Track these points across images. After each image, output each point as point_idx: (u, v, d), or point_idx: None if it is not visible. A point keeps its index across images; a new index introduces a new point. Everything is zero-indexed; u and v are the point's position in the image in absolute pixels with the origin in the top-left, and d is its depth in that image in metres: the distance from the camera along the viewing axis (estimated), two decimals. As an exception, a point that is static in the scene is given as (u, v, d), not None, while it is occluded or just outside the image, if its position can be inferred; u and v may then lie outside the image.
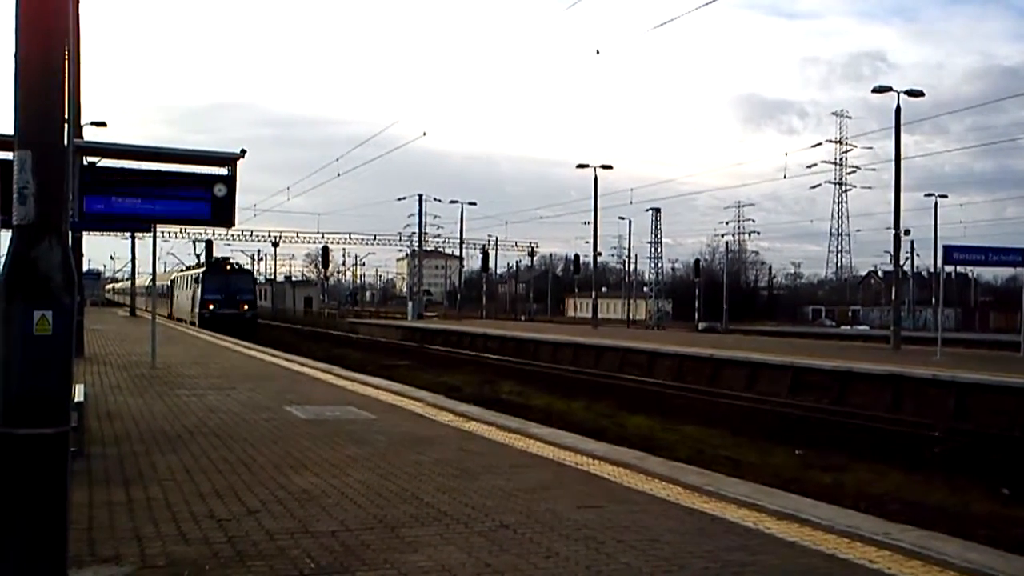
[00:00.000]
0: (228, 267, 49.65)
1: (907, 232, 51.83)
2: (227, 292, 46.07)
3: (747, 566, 5.25)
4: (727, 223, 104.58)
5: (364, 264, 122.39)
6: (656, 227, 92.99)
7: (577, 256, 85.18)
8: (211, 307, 45.46)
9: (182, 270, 62.10)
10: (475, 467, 8.15)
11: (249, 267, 66.24)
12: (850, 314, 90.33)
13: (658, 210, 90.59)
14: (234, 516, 6.15)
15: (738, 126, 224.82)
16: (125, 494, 6.77)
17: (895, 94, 32.14)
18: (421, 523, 6.05)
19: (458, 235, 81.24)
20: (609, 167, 53.29)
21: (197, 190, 15.73)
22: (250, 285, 49.94)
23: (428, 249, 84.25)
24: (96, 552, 5.21)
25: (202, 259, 60.14)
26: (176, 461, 8.15)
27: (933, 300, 67.10)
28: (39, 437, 4.31)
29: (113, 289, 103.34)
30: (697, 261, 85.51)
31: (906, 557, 5.42)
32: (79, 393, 8.88)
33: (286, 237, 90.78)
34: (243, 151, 15.75)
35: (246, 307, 46.55)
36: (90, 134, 30.42)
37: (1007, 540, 7.88)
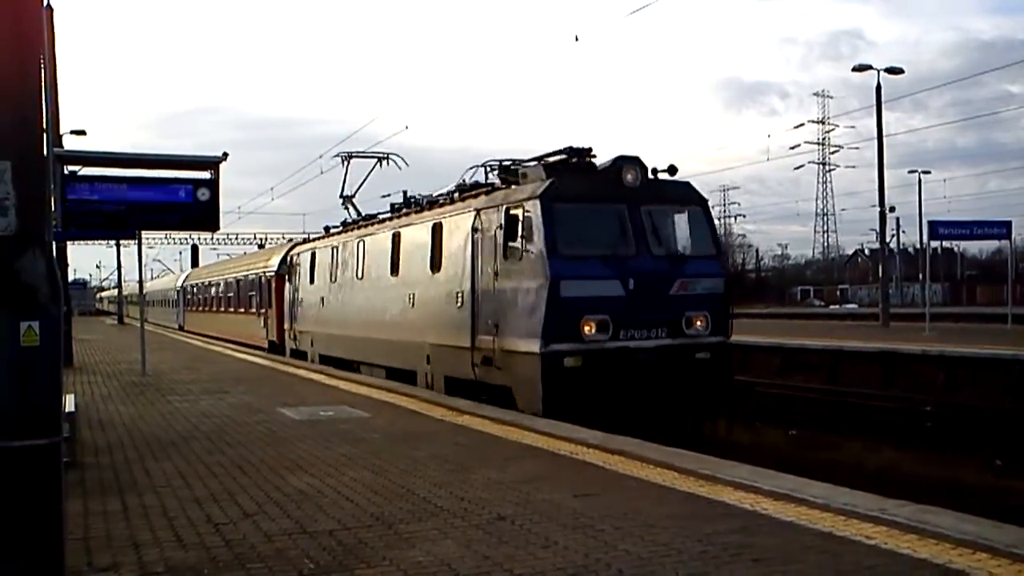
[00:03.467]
0: (630, 179, 12.56)
1: (892, 209, 51.91)
2: (644, 271, 12.17)
3: (745, 548, 5.27)
4: (712, 207, 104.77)
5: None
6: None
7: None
8: (591, 329, 11.62)
9: (360, 223, 20.25)
10: (470, 460, 8.15)
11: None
12: (838, 293, 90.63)
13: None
14: (231, 520, 6.14)
15: (720, 109, 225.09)
16: (120, 502, 6.74)
17: (875, 72, 32.27)
18: (418, 519, 6.05)
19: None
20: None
21: (180, 195, 15.70)
22: (712, 248, 13.30)
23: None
24: (93, 562, 5.19)
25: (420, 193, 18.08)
26: (171, 467, 8.12)
27: (920, 276, 67.45)
28: (31, 449, 4.29)
29: (104, 298, 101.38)
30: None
31: (902, 532, 5.46)
32: (70, 403, 8.86)
33: (271, 238, 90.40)
34: (225, 154, 15.74)
35: (700, 323, 12.40)
36: (70, 143, 30.31)
37: (1001, 510, 7.94)
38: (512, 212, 12.46)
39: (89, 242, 60.64)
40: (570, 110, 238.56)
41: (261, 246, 66.40)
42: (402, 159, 21.88)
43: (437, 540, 5.51)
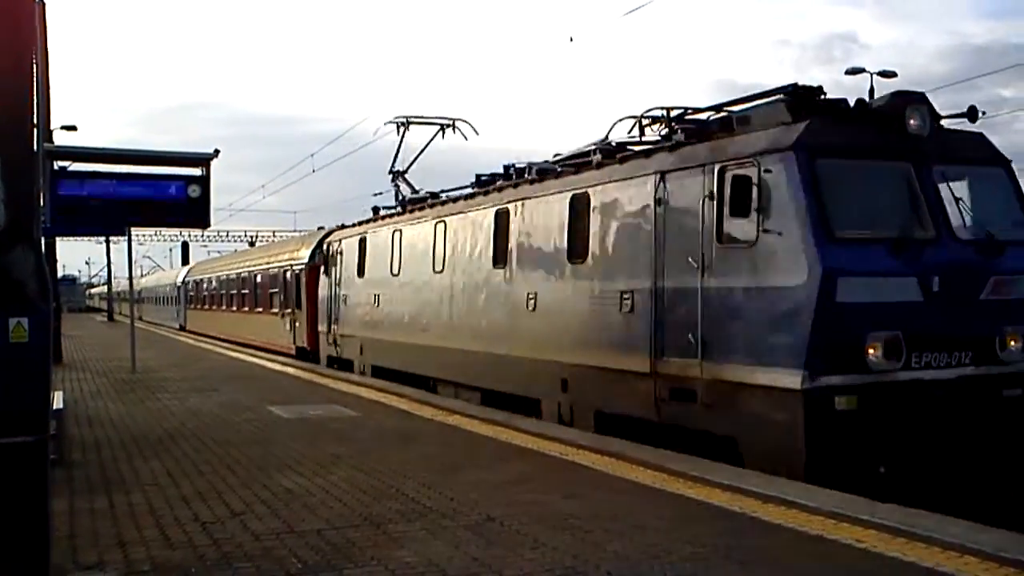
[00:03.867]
0: (914, 125, 8.37)
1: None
2: (950, 264, 8.07)
3: (734, 550, 5.26)
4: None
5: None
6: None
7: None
8: (877, 352, 7.65)
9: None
10: (459, 461, 8.14)
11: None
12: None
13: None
14: (219, 518, 6.11)
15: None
16: (107, 500, 6.71)
17: (868, 75, 32.33)
18: (407, 519, 6.03)
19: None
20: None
21: (171, 192, 15.61)
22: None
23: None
24: (79, 560, 5.16)
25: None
26: (159, 465, 8.08)
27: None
28: (17, 446, 4.26)
29: (95, 295, 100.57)
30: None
31: (892, 535, 5.46)
32: (58, 400, 8.81)
33: (263, 236, 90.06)
34: (216, 151, 15.64)
35: (1016, 343, 8.27)
36: (60, 138, 30.16)
37: (989, 513, 7.94)
38: (738, 173, 8.23)
39: (79, 238, 60.11)
40: (564, 111, 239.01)
41: (252, 243, 65.96)
42: (471, 126, 18.13)
43: (426, 541, 5.49)
